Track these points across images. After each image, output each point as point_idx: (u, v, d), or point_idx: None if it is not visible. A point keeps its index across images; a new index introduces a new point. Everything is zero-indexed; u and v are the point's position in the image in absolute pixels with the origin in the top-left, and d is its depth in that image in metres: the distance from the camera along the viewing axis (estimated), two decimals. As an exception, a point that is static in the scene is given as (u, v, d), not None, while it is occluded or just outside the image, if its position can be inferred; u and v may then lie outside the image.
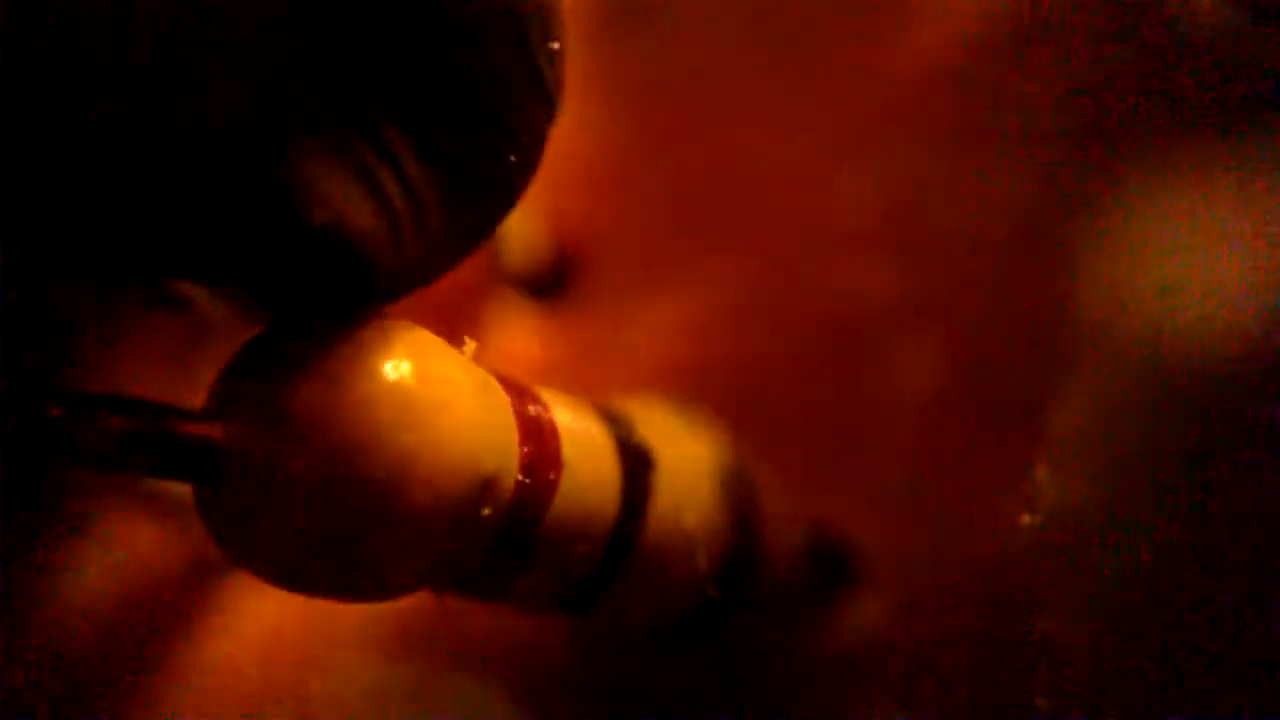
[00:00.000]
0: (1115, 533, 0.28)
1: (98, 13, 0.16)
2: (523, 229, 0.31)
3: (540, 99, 0.21)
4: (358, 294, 0.21)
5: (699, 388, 0.29)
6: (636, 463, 0.25)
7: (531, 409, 0.23)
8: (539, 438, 0.23)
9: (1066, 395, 0.28)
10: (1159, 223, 0.28)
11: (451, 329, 0.22)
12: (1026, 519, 0.28)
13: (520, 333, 0.32)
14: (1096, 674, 0.27)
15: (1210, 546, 0.27)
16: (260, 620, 0.29)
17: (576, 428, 0.24)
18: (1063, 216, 0.29)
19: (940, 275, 0.29)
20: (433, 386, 0.21)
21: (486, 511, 0.22)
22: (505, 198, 0.22)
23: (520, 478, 0.22)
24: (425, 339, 0.21)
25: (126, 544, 0.28)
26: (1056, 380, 0.28)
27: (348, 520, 0.20)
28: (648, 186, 0.32)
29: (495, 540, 0.22)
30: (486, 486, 0.21)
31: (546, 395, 0.24)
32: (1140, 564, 0.27)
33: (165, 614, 0.28)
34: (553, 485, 0.23)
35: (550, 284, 0.32)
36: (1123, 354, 0.28)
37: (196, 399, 0.20)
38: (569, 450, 0.24)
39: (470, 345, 0.22)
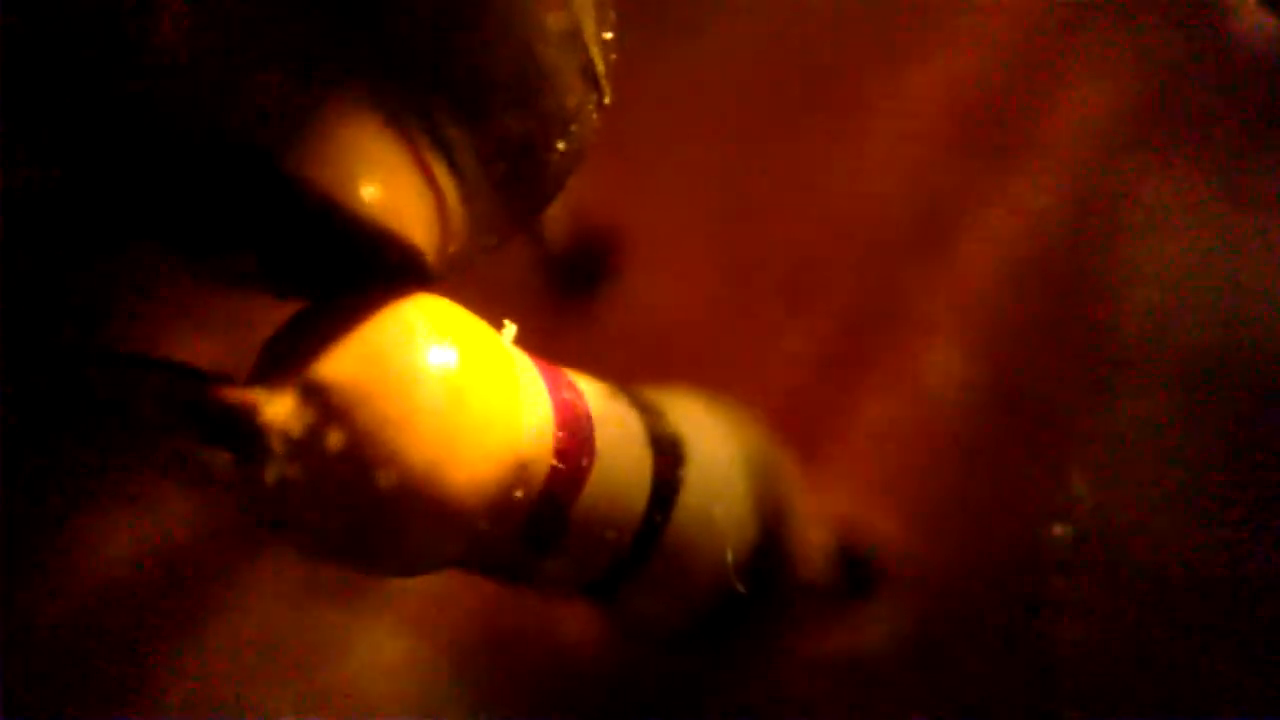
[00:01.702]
0: (1153, 548, 0.28)
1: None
2: (567, 216, 0.32)
3: (591, 88, 0.22)
4: (403, 273, 0.22)
5: (734, 381, 0.30)
6: (669, 454, 0.26)
7: (568, 395, 0.24)
8: (574, 424, 0.24)
9: (1108, 406, 0.29)
10: (1208, 232, 0.28)
11: (492, 312, 0.23)
12: (1059, 529, 0.28)
13: (559, 318, 0.33)
14: (1127, 690, 0.27)
15: (1253, 568, 0.27)
16: (290, 590, 0.30)
17: (611, 416, 0.25)
18: (1109, 224, 0.29)
19: (979, 280, 0.30)
20: (473, 368, 0.21)
21: (519, 494, 0.22)
22: (552, 184, 0.22)
23: (554, 463, 0.23)
24: (467, 320, 0.22)
25: (159, 513, 0.29)
26: (1099, 390, 0.29)
27: (382, 497, 0.21)
28: (690, 181, 0.33)
29: (526, 523, 0.23)
30: (521, 470, 0.22)
31: (583, 382, 0.25)
32: (1177, 582, 0.28)
33: (195, 583, 0.29)
34: (585, 472, 0.24)
35: (591, 271, 0.33)
36: (1169, 367, 0.28)
37: (244, 369, 0.21)
38: (603, 438, 0.24)
39: (510, 328, 0.23)
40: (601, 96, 0.22)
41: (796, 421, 0.30)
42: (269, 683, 0.29)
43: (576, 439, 0.24)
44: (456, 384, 0.21)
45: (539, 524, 0.23)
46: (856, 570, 0.30)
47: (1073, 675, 0.28)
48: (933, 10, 0.32)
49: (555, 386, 0.24)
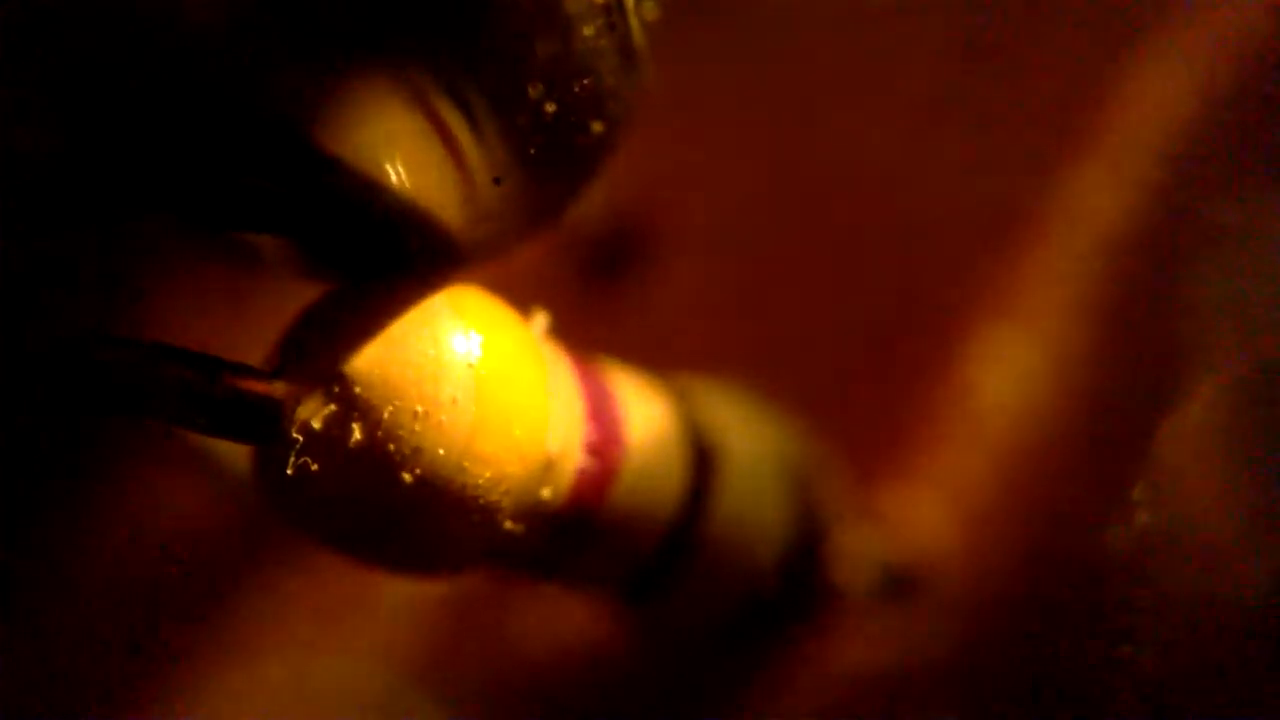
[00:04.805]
0: (1215, 556, 0.28)
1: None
2: (599, 199, 0.32)
3: (629, 66, 0.22)
4: (429, 258, 0.22)
5: (773, 375, 0.30)
6: (703, 451, 0.26)
7: (599, 389, 0.24)
8: (605, 420, 0.24)
9: (1171, 411, 0.28)
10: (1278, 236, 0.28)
11: (523, 298, 0.23)
12: (1117, 536, 0.28)
13: (592, 307, 0.33)
14: (1188, 707, 0.27)
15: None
16: (304, 595, 0.30)
17: (644, 412, 0.25)
18: (1177, 225, 0.29)
19: (1040, 280, 0.30)
20: (500, 360, 0.22)
21: (547, 493, 0.23)
22: (587, 166, 0.22)
23: (583, 459, 0.23)
24: (495, 310, 0.22)
25: (170, 505, 0.29)
26: (1162, 395, 0.29)
27: (404, 491, 0.21)
28: (732, 166, 0.33)
29: (553, 521, 0.23)
30: (548, 467, 0.22)
31: (615, 375, 0.25)
32: (1242, 594, 0.28)
33: (204, 575, 0.30)
34: (616, 470, 0.24)
35: (625, 257, 0.33)
36: (1236, 372, 0.28)
37: (261, 353, 0.21)
38: (635, 435, 0.24)
39: (541, 318, 0.23)
40: (640, 76, 0.22)
41: (840, 419, 0.30)
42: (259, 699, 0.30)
43: (607, 434, 0.24)
44: (482, 376, 0.21)
45: (567, 522, 0.23)
46: (898, 577, 0.30)
47: (1127, 690, 0.28)
48: (994, 7, 0.31)
49: (586, 379, 0.24)
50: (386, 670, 0.30)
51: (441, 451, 0.21)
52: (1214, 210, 0.29)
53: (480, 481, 0.21)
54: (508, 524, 0.22)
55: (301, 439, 0.21)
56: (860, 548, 0.30)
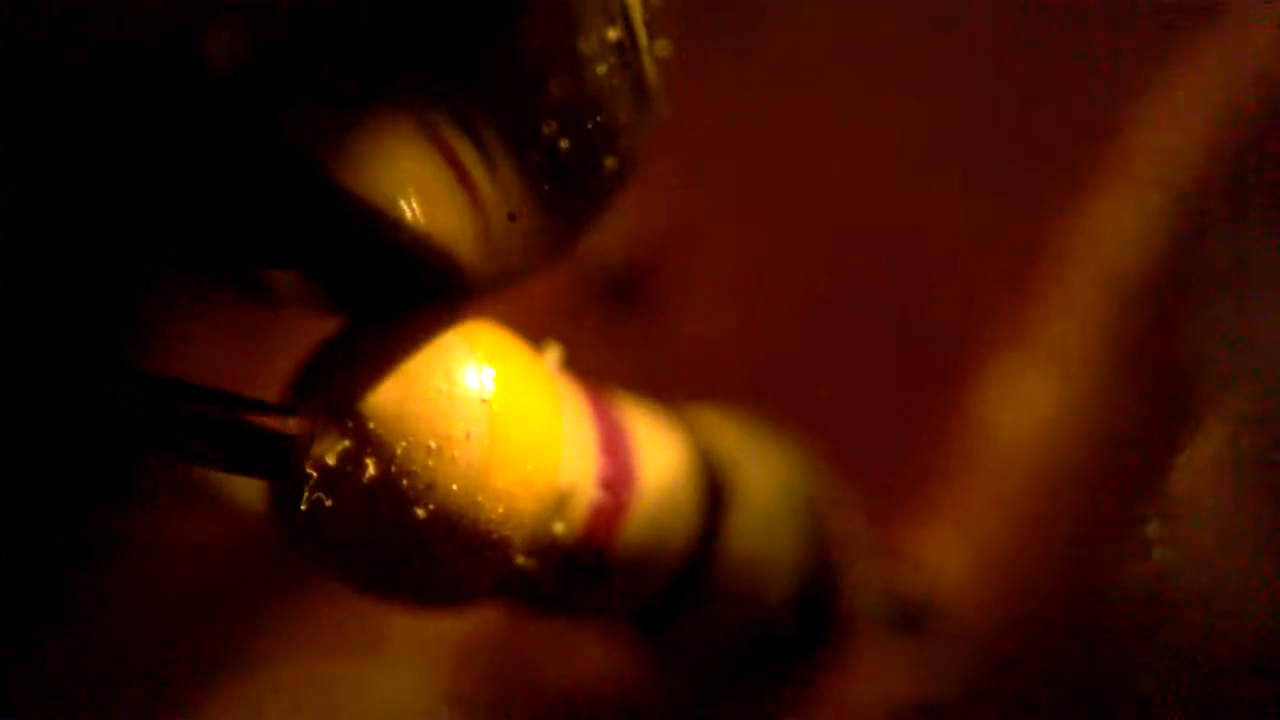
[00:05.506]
0: (1230, 592, 0.28)
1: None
2: (610, 231, 0.32)
3: (643, 103, 0.22)
4: (443, 292, 0.22)
5: (785, 406, 0.30)
6: (716, 485, 0.26)
7: (612, 423, 0.24)
8: (618, 454, 0.24)
9: (1189, 448, 0.29)
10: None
11: (536, 334, 0.23)
12: (1132, 574, 0.28)
13: (605, 340, 0.33)
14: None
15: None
16: (319, 620, 0.30)
17: (657, 445, 0.25)
18: (1191, 258, 0.29)
19: (1054, 311, 0.30)
20: (513, 394, 0.22)
21: (560, 528, 0.23)
22: (600, 203, 0.23)
23: (596, 493, 0.23)
24: (508, 344, 0.23)
25: (187, 539, 0.30)
26: (1176, 428, 0.29)
27: (418, 526, 0.21)
28: (731, 195, 0.33)
29: (567, 557, 0.23)
30: (561, 502, 0.23)
31: (629, 408, 0.25)
32: (1257, 629, 0.28)
33: (221, 608, 0.30)
34: (629, 505, 0.24)
35: (637, 291, 0.33)
36: (1250, 405, 0.28)
37: (276, 388, 0.22)
38: (648, 469, 0.25)
39: (554, 351, 0.24)
40: (652, 112, 0.22)
41: (853, 453, 0.30)
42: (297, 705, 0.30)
43: (621, 468, 0.24)
44: (495, 411, 0.21)
45: (580, 557, 0.24)
46: (911, 611, 0.30)
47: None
48: (1007, 43, 0.32)
49: (600, 412, 0.24)
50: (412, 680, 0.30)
51: (455, 486, 0.21)
52: (1228, 246, 0.29)
53: (493, 516, 0.21)
54: (520, 559, 0.22)
55: (315, 475, 0.21)
56: (873, 581, 0.30)
